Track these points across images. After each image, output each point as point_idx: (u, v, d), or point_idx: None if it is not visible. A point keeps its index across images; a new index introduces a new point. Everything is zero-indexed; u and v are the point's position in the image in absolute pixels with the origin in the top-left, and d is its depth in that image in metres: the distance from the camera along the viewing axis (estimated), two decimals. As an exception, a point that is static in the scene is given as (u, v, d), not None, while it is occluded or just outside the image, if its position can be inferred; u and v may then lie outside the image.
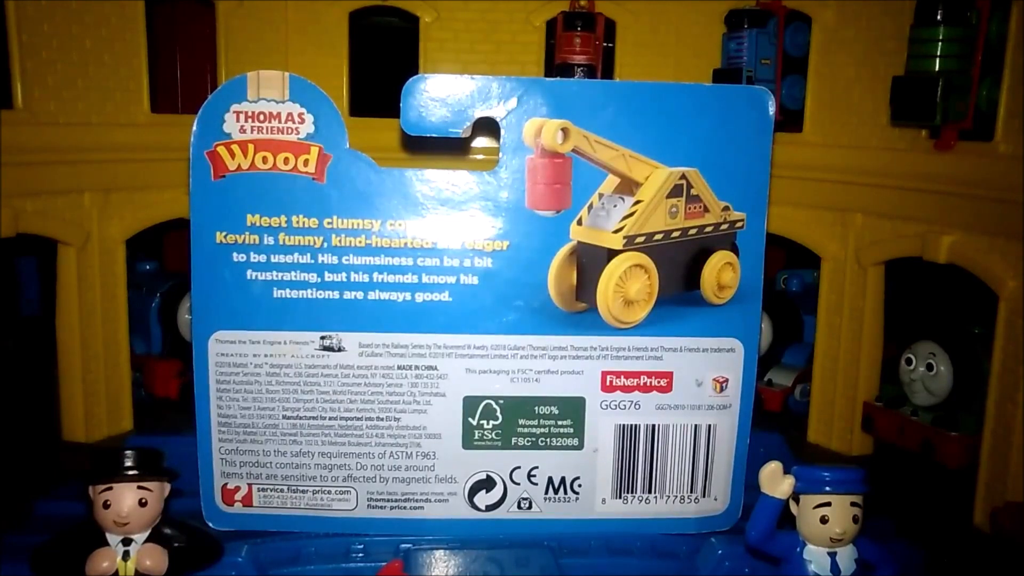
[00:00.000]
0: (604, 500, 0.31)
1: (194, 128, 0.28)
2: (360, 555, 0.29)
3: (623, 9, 0.45)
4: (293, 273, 0.29)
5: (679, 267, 0.31)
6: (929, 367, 0.41)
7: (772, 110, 0.29)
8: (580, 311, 0.30)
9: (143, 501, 0.25)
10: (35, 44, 0.38)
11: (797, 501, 0.26)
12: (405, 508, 0.30)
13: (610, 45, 0.46)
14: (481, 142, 0.45)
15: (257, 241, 0.29)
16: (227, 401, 0.30)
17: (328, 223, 0.29)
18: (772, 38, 0.42)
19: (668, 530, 0.31)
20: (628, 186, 0.29)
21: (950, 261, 0.37)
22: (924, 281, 0.46)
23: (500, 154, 0.29)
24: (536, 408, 0.30)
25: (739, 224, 0.30)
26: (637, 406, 0.30)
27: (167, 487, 0.26)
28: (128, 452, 0.25)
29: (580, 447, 0.31)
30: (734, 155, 0.29)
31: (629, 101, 0.29)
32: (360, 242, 0.29)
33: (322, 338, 0.29)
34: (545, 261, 0.29)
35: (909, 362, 0.42)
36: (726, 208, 0.30)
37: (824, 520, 0.26)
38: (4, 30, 0.38)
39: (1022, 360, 0.35)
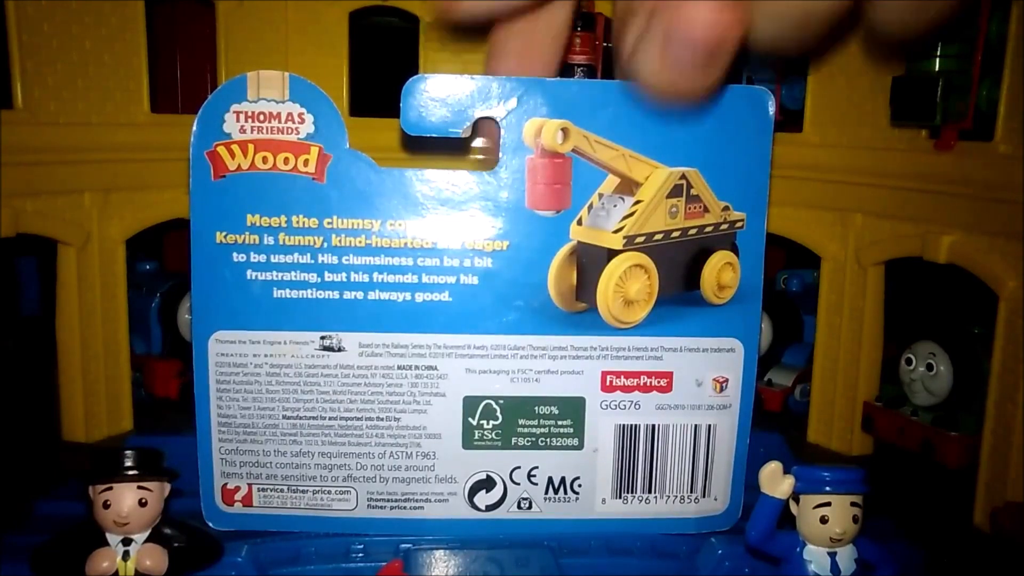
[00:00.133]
0: (604, 500, 0.31)
1: (194, 128, 0.28)
2: (360, 555, 0.29)
3: (623, 9, 0.45)
4: (293, 273, 0.29)
5: (679, 267, 0.31)
6: (929, 367, 0.41)
7: (772, 110, 0.29)
8: (580, 311, 0.30)
9: (143, 501, 0.25)
10: (35, 44, 0.38)
11: (797, 501, 0.26)
12: (405, 508, 0.30)
13: (610, 45, 0.46)
14: (481, 142, 0.45)
15: (257, 241, 0.29)
16: (227, 401, 0.30)
17: (328, 223, 0.29)
18: (772, 38, 0.42)
19: (668, 530, 0.31)
20: (628, 186, 0.29)
21: (950, 261, 0.37)
22: (924, 281, 0.46)
23: (500, 154, 0.29)
24: (536, 408, 0.30)
25: (739, 224, 0.30)
26: (637, 406, 0.30)
27: (167, 487, 0.26)
28: (128, 452, 0.25)
29: (580, 447, 0.31)
30: (734, 155, 0.29)
31: (629, 101, 0.29)
32: (360, 242, 0.29)
33: (322, 338, 0.29)
34: (545, 261, 0.29)
35: (909, 362, 0.42)
36: (726, 208, 0.30)
37: (824, 520, 0.26)
38: (4, 30, 0.38)
39: (1022, 360, 0.35)
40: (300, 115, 0.28)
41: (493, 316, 0.29)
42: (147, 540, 0.26)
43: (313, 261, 0.29)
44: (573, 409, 0.30)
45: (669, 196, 0.29)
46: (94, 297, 0.42)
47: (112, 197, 0.42)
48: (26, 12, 0.38)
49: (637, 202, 0.29)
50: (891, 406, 0.42)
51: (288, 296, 0.29)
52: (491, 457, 0.30)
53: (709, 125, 0.29)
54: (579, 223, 0.29)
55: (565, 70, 0.44)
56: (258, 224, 0.29)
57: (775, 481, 0.26)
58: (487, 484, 0.31)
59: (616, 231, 0.29)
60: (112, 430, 0.43)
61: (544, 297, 0.29)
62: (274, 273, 0.29)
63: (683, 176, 0.29)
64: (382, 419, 0.30)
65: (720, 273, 0.30)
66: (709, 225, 0.30)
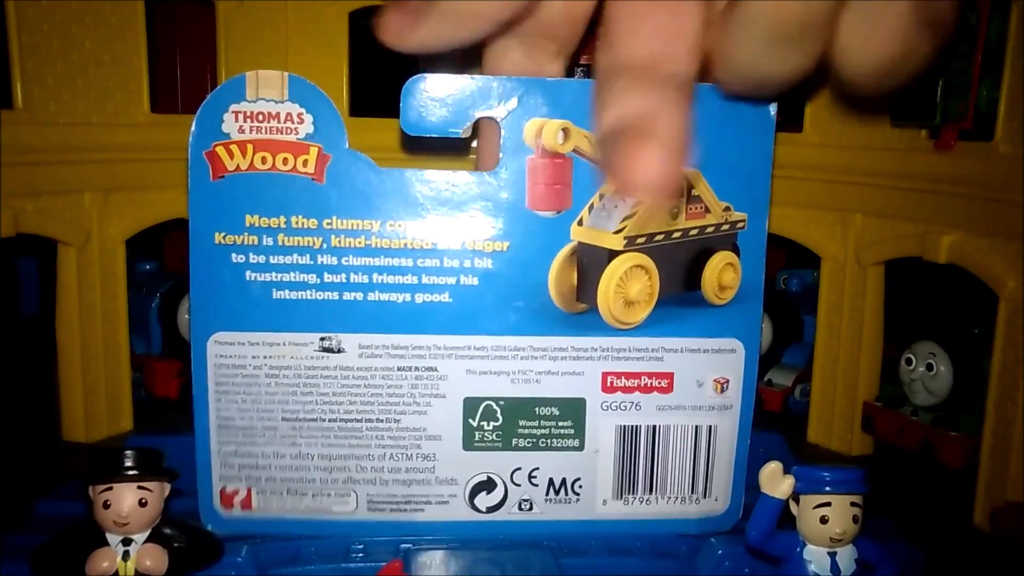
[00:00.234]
0: (605, 501, 0.31)
1: (192, 128, 0.28)
2: (360, 555, 0.29)
3: (623, 9, 0.45)
4: (292, 274, 0.29)
5: (680, 268, 0.31)
6: (929, 367, 0.41)
7: (773, 110, 0.29)
8: (580, 312, 0.30)
9: (143, 501, 0.25)
10: (35, 44, 0.38)
11: (797, 501, 0.26)
12: (406, 510, 0.30)
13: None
14: (477, 145, 0.45)
15: (256, 242, 0.29)
16: (226, 403, 0.29)
17: (327, 224, 0.29)
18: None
19: (669, 531, 0.31)
20: None
21: (950, 261, 0.37)
22: (924, 281, 0.46)
23: (500, 154, 0.29)
24: (537, 409, 0.30)
25: (740, 225, 0.30)
26: (638, 407, 0.30)
27: (167, 487, 0.26)
28: (128, 452, 0.25)
29: (581, 448, 0.30)
30: (735, 155, 0.29)
31: None
32: (360, 243, 0.29)
33: (322, 339, 0.29)
34: (545, 262, 0.29)
35: (909, 362, 0.42)
36: (727, 209, 0.30)
37: (824, 520, 0.26)
38: (4, 30, 0.38)
39: (1022, 360, 0.35)
40: (299, 115, 0.28)
41: (493, 317, 0.29)
42: (147, 540, 0.26)
43: (313, 262, 0.29)
44: (574, 410, 0.30)
45: None
46: (94, 297, 0.42)
47: (112, 197, 0.42)
48: (26, 12, 0.38)
49: (638, 203, 0.29)
50: (891, 406, 0.42)
51: (287, 297, 0.29)
52: (492, 459, 0.30)
53: (710, 125, 0.29)
54: (580, 224, 0.29)
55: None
56: (257, 225, 0.29)
57: (775, 481, 0.26)
58: (488, 486, 0.31)
59: (617, 232, 0.29)
60: (112, 430, 0.43)
61: (544, 298, 0.29)
62: (273, 274, 0.29)
63: (684, 177, 0.29)
64: (382, 421, 0.30)
65: (721, 274, 0.30)
66: (710, 226, 0.30)
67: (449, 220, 0.29)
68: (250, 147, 0.28)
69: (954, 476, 0.39)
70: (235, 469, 0.30)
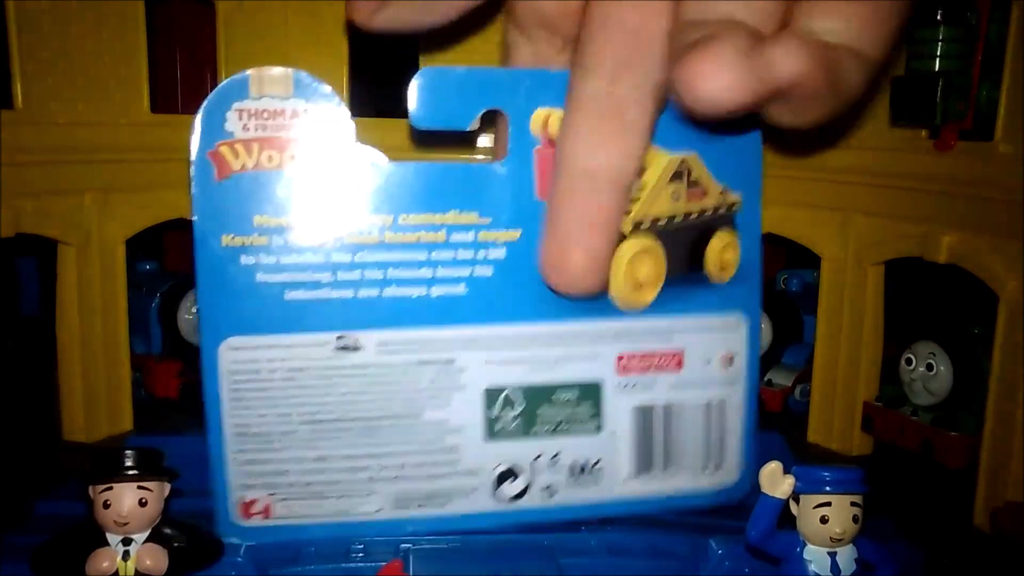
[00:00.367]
0: (624, 481, 0.31)
1: (195, 128, 0.28)
2: (360, 555, 0.29)
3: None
4: (305, 273, 0.28)
5: (683, 249, 0.31)
6: (929, 367, 0.41)
7: None
8: (592, 296, 0.30)
9: (143, 501, 0.25)
10: (35, 44, 0.38)
11: (797, 501, 0.26)
12: (431, 506, 0.30)
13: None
14: (488, 137, 0.45)
15: (266, 242, 0.28)
16: (241, 410, 0.29)
17: (338, 220, 0.28)
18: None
19: (686, 505, 0.32)
20: None
21: (950, 261, 0.37)
22: (924, 281, 0.46)
23: (509, 145, 0.29)
24: (555, 395, 0.30)
25: (736, 205, 0.31)
26: (652, 386, 0.31)
27: (167, 487, 0.26)
28: (128, 452, 0.25)
29: (599, 430, 0.31)
30: (728, 136, 0.30)
31: None
32: (372, 238, 0.29)
33: (338, 338, 0.29)
34: None
35: (909, 362, 0.42)
36: (724, 190, 0.31)
37: (824, 520, 0.26)
38: (4, 30, 0.38)
39: (1022, 360, 0.35)
40: (305, 111, 0.28)
41: (508, 306, 0.29)
42: (147, 540, 0.26)
43: (325, 260, 0.28)
44: (591, 393, 0.31)
45: (671, 181, 0.30)
46: (94, 297, 0.42)
47: (112, 197, 0.42)
48: (26, 12, 0.38)
49: (641, 188, 0.29)
50: (891, 406, 0.42)
51: (301, 298, 0.28)
52: (513, 447, 0.30)
53: None
54: None
55: None
56: (266, 225, 0.28)
57: (775, 481, 0.26)
58: (510, 474, 0.31)
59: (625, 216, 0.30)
60: (112, 430, 0.43)
61: None
62: (285, 274, 0.28)
63: (683, 161, 0.30)
64: (403, 417, 0.30)
65: (722, 253, 0.31)
66: (709, 207, 0.31)
67: (460, 212, 0.29)
68: (256, 145, 0.28)
69: (954, 476, 0.39)
70: (254, 477, 0.29)
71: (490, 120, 0.29)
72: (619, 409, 0.31)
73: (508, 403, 0.30)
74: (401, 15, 0.26)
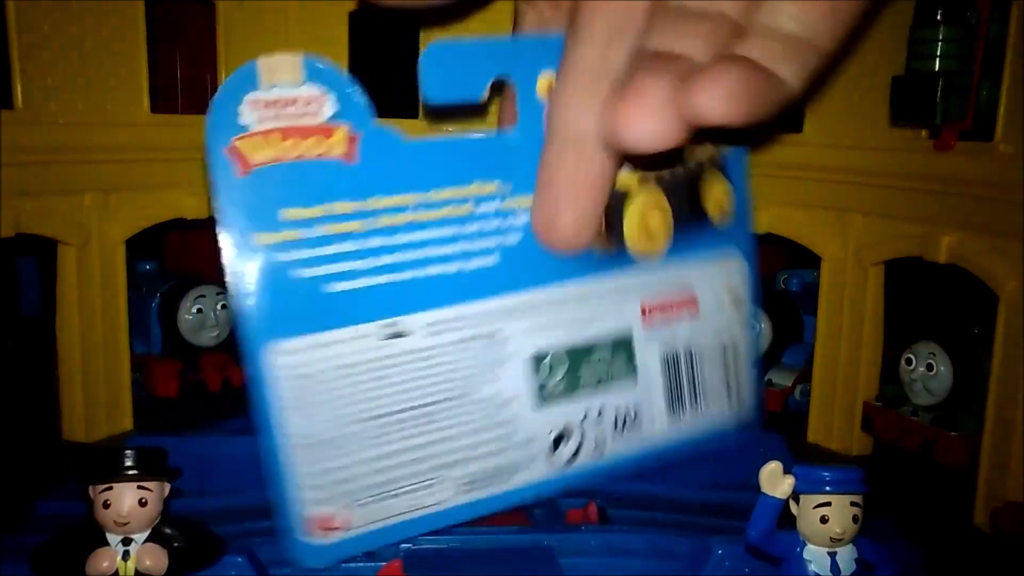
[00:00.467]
0: (659, 426, 0.33)
1: (207, 125, 0.26)
2: (360, 555, 0.29)
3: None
4: (341, 264, 0.27)
5: (683, 198, 0.32)
6: (929, 367, 0.41)
7: None
8: (611, 251, 0.31)
9: (143, 501, 0.25)
10: (35, 44, 0.38)
11: (797, 501, 0.26)
12: (497, 483, 0.30)
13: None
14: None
15: (297, 236, 0.27)
16: (300, 419, 0.27)
17: (367, 205, 0.27)
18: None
19: (715, 443, 0.34)
20: None
21: (950, 261, 0.37)
22: (924, 281, 0.46)
23: (521, 114, 0.29)
24: (592, 352, 0.31)
25: (725, 153, 0.33)
26: (675, 333, 0.33)
27: (167, 487, 0.26)
28: (128, 452, 0.25)
29: (634, 381, 0.32)
30: None
31: None
32: (402, 219, 0.28)
33: (384, 326, 0.28)
34: None
35: (909, 362, 0.42)
36: (713, 142, 0.33)
37: (824, 520, 0.26)
38: (4, 30, 0.38)
39: (1022, 360, 0.35)
40: (320, 96, 0.27)
41: (539, 271, 0.30)
42: (147, 540, 0.26)
43: (359, 247, 0.27)
44: (623, 346, 0.32)
45: None
46: (94, 297, 0.42)
47: (112, 197, 0.42)
48: (26, 12, 0.38)
49: None
50: (891, 406, 0.42)
51: (339, 289, 0.27)
52: (563, 409, 0.31)
53: None
54: None
55: None
56: (295, 218, 0.27)
57: (775, 481, 0.26)
58: (564, 436, 0.31)
59: (631, 173, 0.31)
60: (112, 430, 0.43)
61: None
62: (321, 267, 0.27)
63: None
64: (457, 398, 0.29)
65: (720, 199, 0.33)
66: (704, 158, 0.32)
67: (483, 183, 0.29)
68: (275, 136, 0.26)
69: (954, 476, 0.39)
70: (325, 490, 0.27)
71: (494, 93, 0.30)
72: (649, 358, 0.32)
73: (553, 367, 0.30)
74: None
